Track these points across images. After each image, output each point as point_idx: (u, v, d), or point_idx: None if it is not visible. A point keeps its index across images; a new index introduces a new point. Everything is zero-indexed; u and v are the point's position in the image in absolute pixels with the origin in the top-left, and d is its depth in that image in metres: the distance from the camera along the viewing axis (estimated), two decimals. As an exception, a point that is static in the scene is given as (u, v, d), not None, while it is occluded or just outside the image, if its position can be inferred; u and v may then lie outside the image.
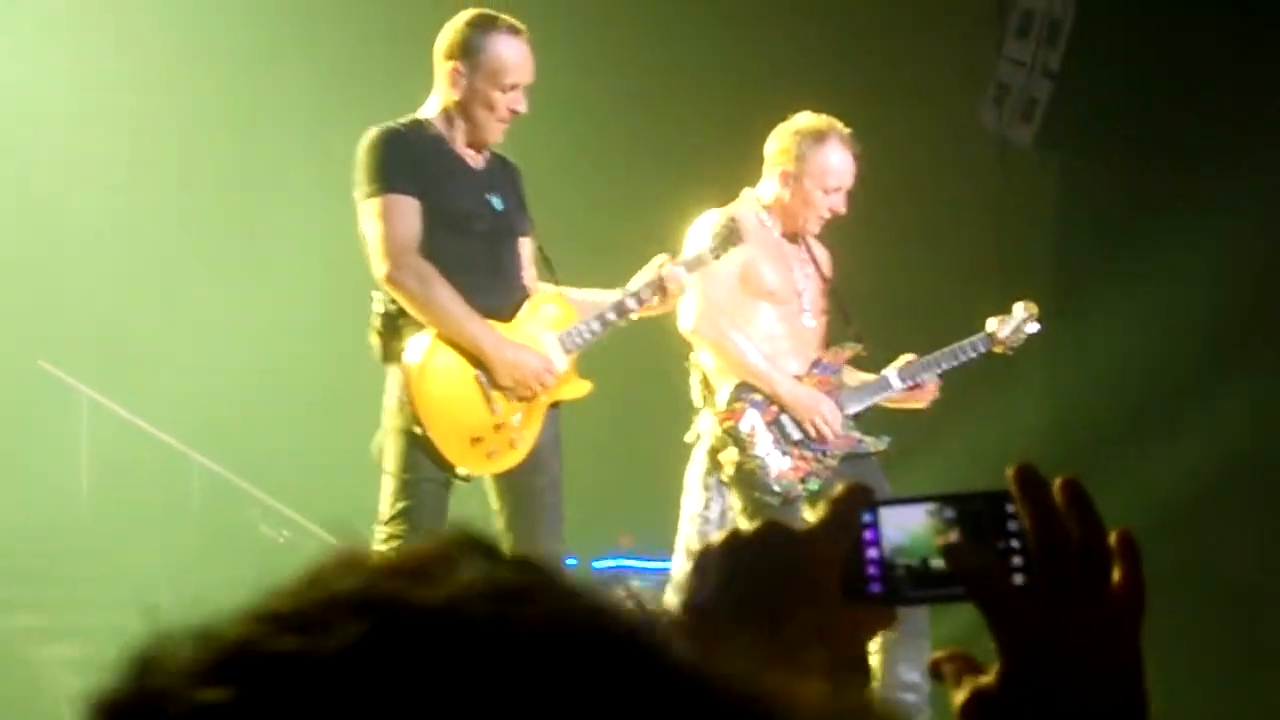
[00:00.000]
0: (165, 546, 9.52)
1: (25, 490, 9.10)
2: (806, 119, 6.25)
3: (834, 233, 6.48)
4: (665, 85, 9.79)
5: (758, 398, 6.13)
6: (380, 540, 5.46)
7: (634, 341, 7.43)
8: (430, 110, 5.56)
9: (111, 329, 9.54)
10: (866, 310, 6.65)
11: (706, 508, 6.17)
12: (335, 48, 9.66)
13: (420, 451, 5.42)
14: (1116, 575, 1.22)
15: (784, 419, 6.14)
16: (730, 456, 6.08)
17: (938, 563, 1.25)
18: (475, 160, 5.58)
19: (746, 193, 6.32)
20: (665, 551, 7.16)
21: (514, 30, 5.52)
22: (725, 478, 6.13)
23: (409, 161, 5.42)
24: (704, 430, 6.21)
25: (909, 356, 6.34)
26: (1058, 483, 1.24)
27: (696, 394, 6.26)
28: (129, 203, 9.56)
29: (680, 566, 6.22)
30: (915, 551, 1.26)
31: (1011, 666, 1.21)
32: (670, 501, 6.47)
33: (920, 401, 6.35)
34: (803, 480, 6.13)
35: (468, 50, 5.46)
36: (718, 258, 5.91)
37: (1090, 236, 9.39)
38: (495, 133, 5.54)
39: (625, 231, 6.36)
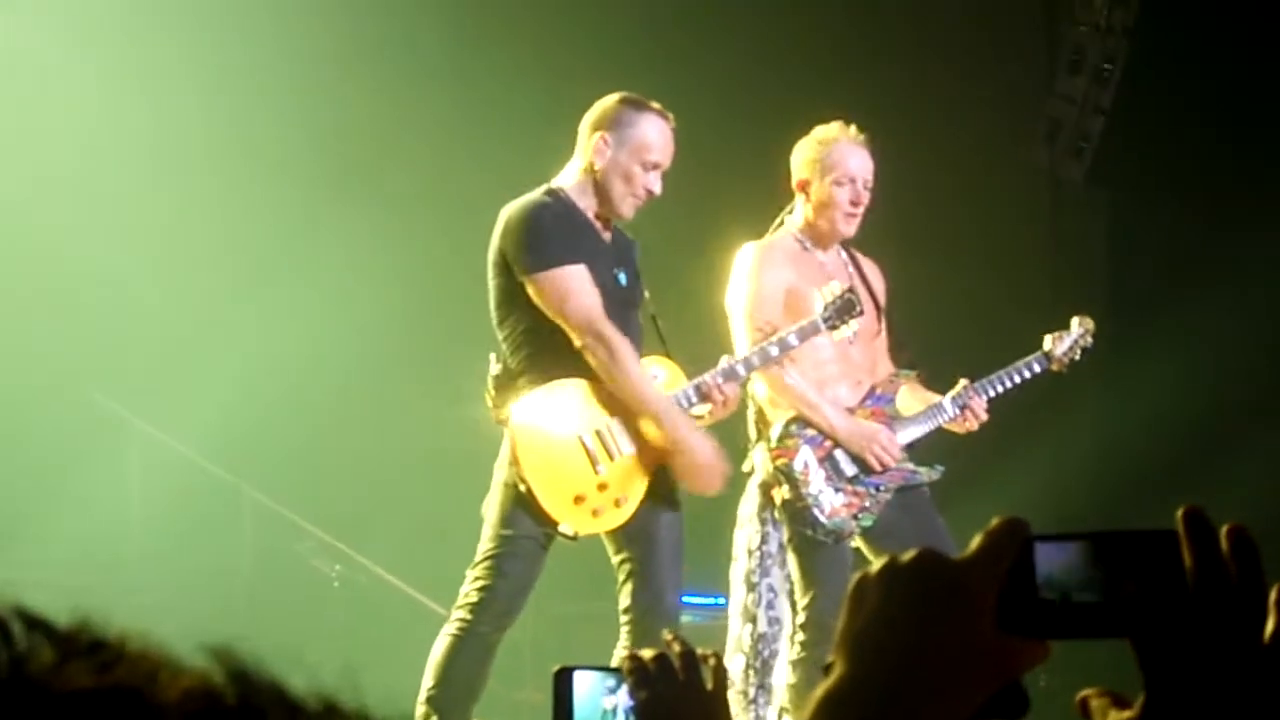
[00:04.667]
0: (216, 580, 9.57)
1: (76, 523, 9.16)
2: (814, 130, 6.29)
3: (887, 262, 6.48)
4: (706, 127, 9.81)
5: (810, 433, 6.10)
6: (467, 582, 5.56)
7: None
8: (566, 180, 5.69)
9: (164, 361, 9.60)
10: (919, 344, 6.63)
11: (765, 542, 6.15)
12: (392, 85, 9.72)
13: (522, 509, 5.51)
14: (1271, 626, 1.23)
15: (837, 454, 6.11)
16: (782, 493, 6.07)
17: (1086, 597, 1.27)
18: (604, 235, 5.71)
19: (784, 218, 6.33)
20: (712, 587, 7.16)
21: (663, 115, 5.69)
22: (777, 513, 6.11)
23: (559, 230, 5.55)
24: (758, 464, 6.19)
25: (964, 382, 6.31)
26: (1224, 529, 1.25)
27: (751, 427, 6.24)
28: (183, 234, 9.62)
29: (739, 599, 6.19)
30: (1067, 586, 1.27)
31: (1156, 703, 1.23)
32: (716, 538, 6.46)
33: (971, 424, 6.30)
34: (856, 516, 6.10)
35: (617, 123, 5.62)
36: (833, 329, 5.92)
37: (1141, 272, 9.37)
38: (628, 209, 5.66)
39: (665, 269, 6.35)
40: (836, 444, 6.13)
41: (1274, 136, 8.73)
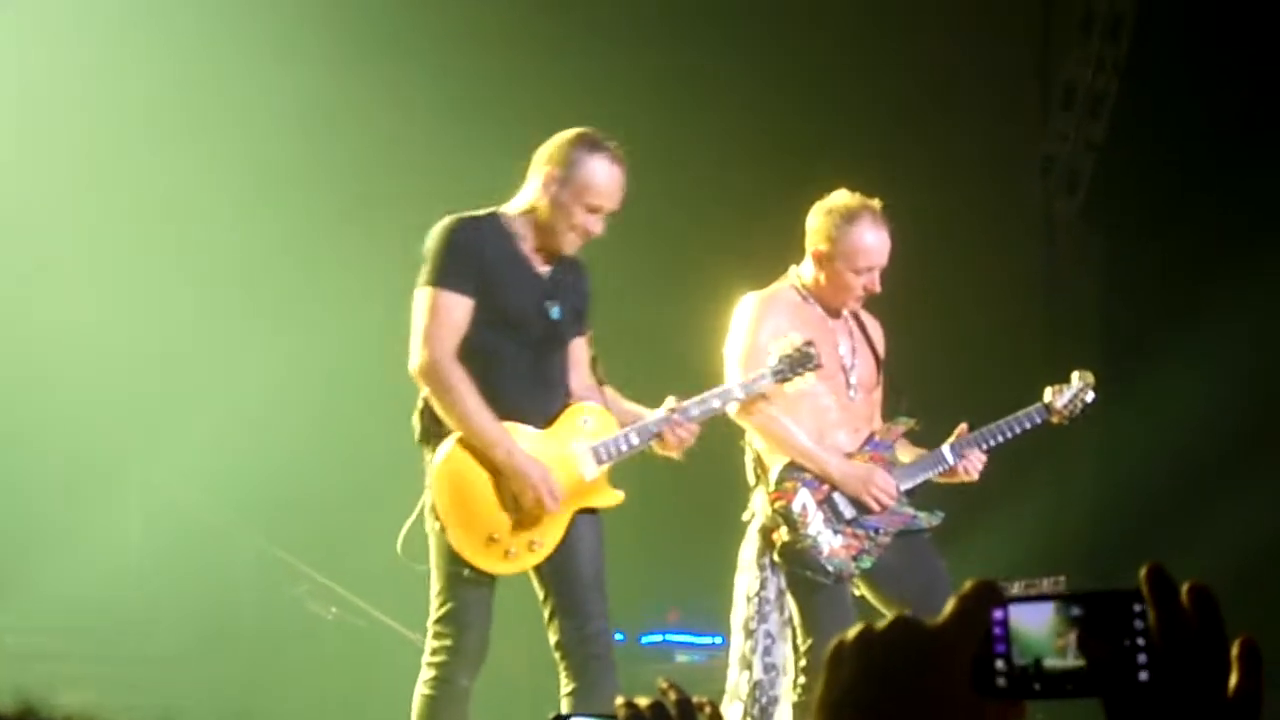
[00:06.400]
0: (213, 623, 9.55)
1: (76, 565, 9.15)
2: (840, 198, 6.22)
3: (879, 306, 6.48)
4: (709, 161, 9.84)
5: (808, 476, 6.11)
6: (432, 636, 5.56)
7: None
8: (514, 206, 5.70)
9: (160, 405, 9.60)
10: (912, 383, 6.64)
11: (763, 587, 6.14)
12: (380, 128, 9.74)
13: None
14: (1234, 681, 1.25)
15: (836, 497, 6.12)
16: (781, 535, 6.07)
17: (1059, 661, 1.29)
18: (542, 266, 5.69)
19: (791, 270, 6.34)
20: (711, 626, 7.15)
21: (615, 157, 5.66)
22: (776, 556, 6.11)
23: (474, 258, 5.56)
24: (757, 509, 6.19)
25: (963, 427, 6.32)
26: (1185, 586, 1.28)
27: (750, 472, 6.25)
28: (181, 278, 9.62)
29: (738, 646, 6.19)
30: (1042, 648, 1.29)
31: None
32: (717, 578, 6.46)
33: (968, 476, 6.32)
34: (855, 558, 6.11)
35: (566, 162, 5.61)
36: (783, 381, 5.92)
37: (1136, 308, 9.37)
38: (568, 245, 5.66)
39: (668, 315, 6.35)
40: (834, 487, 6.14)
41: (1269, 172, 8.74)
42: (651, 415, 5.73)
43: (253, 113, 9.50)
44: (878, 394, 6.45)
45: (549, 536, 5.57)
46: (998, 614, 1.30)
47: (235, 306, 9.67)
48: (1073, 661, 1.29)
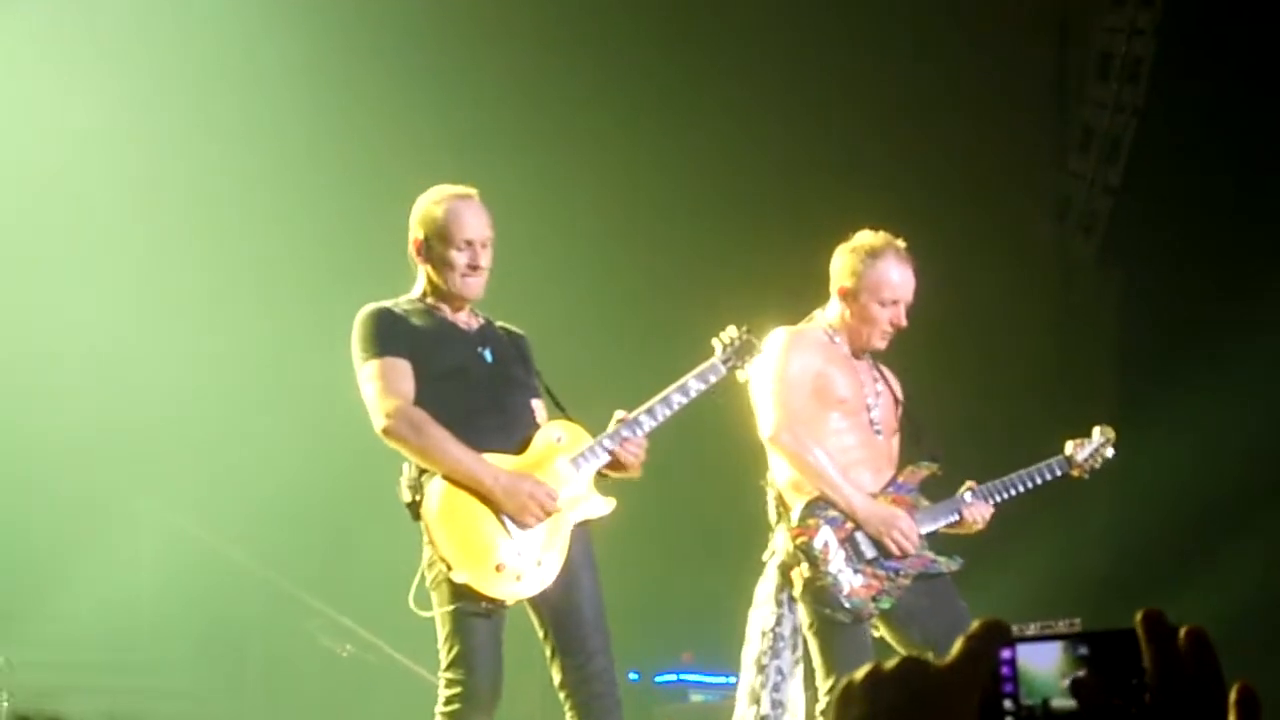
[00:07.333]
0: (226, 659, 9.55)
1: (87, 600, 9.16)
2: (864, 237, 6.30)
3: (897, 347, 6.48)
4: (725, 207, 9.86)
5: (832, 514, 6.11)
6: (444, 685, 5.57)
7: (697, 460, 7.41)
8: (415, 292, 5.87)
9: (174, 442, 9.61)
10: (930, 426, 6.63)
11: (779, 624, 6.13)
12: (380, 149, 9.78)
13: (457, 588, 5.53)
14: None
15: (858, 536, 6.12)
16: (802, 572, 6.06)
17: (1067, 701, 1.29)
18: (467, 324, 5.84)
19: (815, 314, 6.36)
20: (725, 666, 7.13)
21: (461, 195, 5.83)
22: (795, 593, 6.10)
23: (400, 328, 5.72)
24: (778, 547, 6.19)
25: (970, 484, 6.32)
26: (1183, 630, 1.28)
27: (771, 511, 6.24)
28: (194, 316, 9.65)
29: (748, 681, 6.18)
30: (1049, 688, 1.30)
31: None
32: (731, 618, 6.45)
33: (976, 527, 6.32)
34: (874, 599, 6.10)
35: (422, 222, 5.80)
36: (731, 369, 5.94)
37: (1152, 351, 9.36)
38: (469, 289, 5.80)
39: (691, 356, 6.32)
40: (857, 526, 6.13)
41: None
42: (613, 428, 5.78)
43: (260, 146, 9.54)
44: (896, 440, 6.46)
45: (553, 553, 5.61)
46: (1006, 653, 1.30)
47: (248, 335, 9.68)
48: (1079, 702, 1.28)
